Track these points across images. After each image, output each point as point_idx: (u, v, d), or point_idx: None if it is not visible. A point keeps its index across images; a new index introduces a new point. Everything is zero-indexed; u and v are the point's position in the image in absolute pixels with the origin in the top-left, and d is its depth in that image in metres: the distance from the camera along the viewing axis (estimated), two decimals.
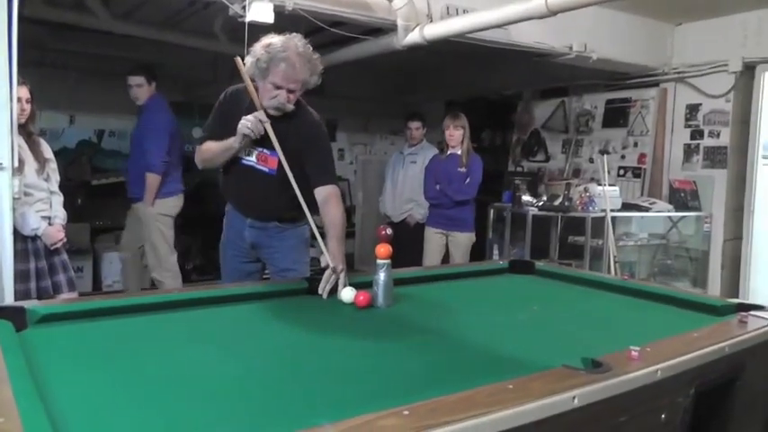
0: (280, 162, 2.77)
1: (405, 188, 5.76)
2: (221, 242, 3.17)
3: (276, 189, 2.84)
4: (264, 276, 3.19)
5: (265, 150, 2.84)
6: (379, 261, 2.39)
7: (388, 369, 1.72)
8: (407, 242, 5.20)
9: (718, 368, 1.84)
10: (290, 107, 2.76)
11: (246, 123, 2.70)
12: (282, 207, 2.90)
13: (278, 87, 2.69)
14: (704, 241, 5.98)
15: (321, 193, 2.81)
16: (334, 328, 2.14)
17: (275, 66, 2.65)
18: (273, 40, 2.70)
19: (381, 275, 2.37)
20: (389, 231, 2.44)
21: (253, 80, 2.76)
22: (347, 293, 2.40)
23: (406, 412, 1.25)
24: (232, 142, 2.79)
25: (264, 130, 2.73)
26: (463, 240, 5.18)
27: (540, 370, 1.56)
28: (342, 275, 2.50)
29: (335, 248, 2.62)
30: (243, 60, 2.75)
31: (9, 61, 2.79)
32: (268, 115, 2.75)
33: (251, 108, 2.78)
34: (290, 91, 2.71)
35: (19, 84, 3.08)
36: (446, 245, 5.23)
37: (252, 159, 2.89)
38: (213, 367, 1.71)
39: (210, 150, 2.92)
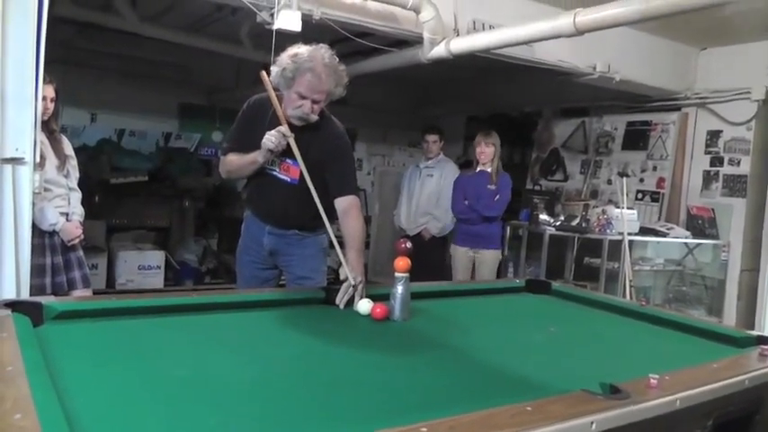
0: (302, 172, 2.78)
1: (420, 201, 5.74)
2: (238, 248, 3.17)
3: (297, 198, 2.84)
4: (281, 283, 3.19)
5: (288, 160, 2.85)
6: (397, 274, 2.37)
7: (404, 384, 1.71)
8: (422, 256, 5.16)
9: (738, 401, 1.80)
10: (314, 117, 2.77)
11: (270, 138, 2.71)
12: (303, 216, 2.90)
13: (303, 97, 2.69)
14: (721, 270, 5.93)
15: (341, 203, 2.81)
16: (350, 340, 2.14)
17: (301, 75, 2.65)
18: (300, 49, 2.70)
19: (399, 289, 2.35)
20: (409, 245, 2.43)
21: (277, 90, 2.77)
22: (364, 305, 2.39)
23: (425, 429, 1.24)
24: (256, 156, 2.80)
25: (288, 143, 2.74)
26: (490, 258, 5.14)
27: (558, 393, 1.54)
28: (360, 287, 2.49)
29: (355, 260, 2.62)
30: (268, 70, 2.76)
31: (36, 60, 2.81)
32: (291, 126, 2.76)
33: (274, 118, 2.79)
34: (314, 101, 2.71)
35: (45, 82, 3.10)
36: (473, 262, 5.20)
37: (275, 168, 2.90)
38: (227, 372, 1.70)
39: (234, 163, 2.95)
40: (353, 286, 2.49)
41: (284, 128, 2.73)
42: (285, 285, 3.13)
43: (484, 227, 5.11)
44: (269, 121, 2.81)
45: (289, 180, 2.87)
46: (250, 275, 3.10)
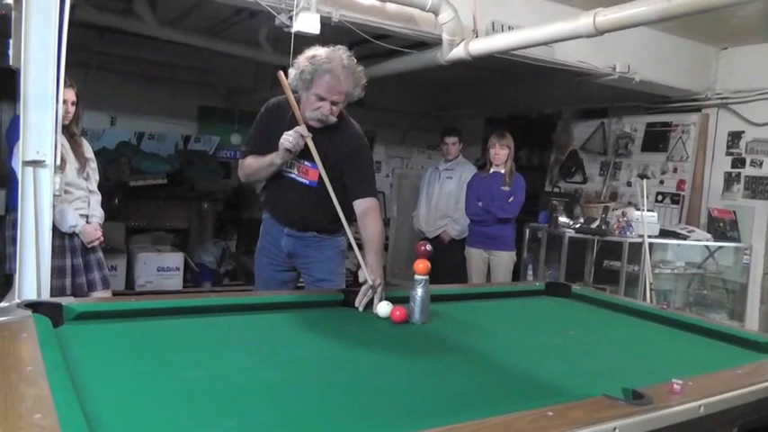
0: (320, 174, 2.77)
1: (440, 204, 5.73)
2: (257, 250, 3.18)
3: (316, 201, 2.84)
4: (299, 285, 3.19)
5: (306, 163, 2.84)
6: (417, 277, 2.36)
7: (423, 387, 1.70)
8: (441, 258, 5.16)
9: (763, 408, 1.77)
10: (333, 119, 2.76)
11: (288, 138, 2.70)
12: (322, 218, 2.90)
13: (321, 99, 2.69)
14: (743, 273, 5.84)
15: (360, 205, 2.80)
16: (370, 343, 2.13)
17: (319, 77, 2.64)
18: (318, 51, 2.70)
19: (419, 291, 2.34)
20: (429, 247, 2.42)
21: (295, 92, 2.76)
22: (383, 308, 2.38)
23: None
24: (274, 158, 2.80)
25: (306, 144, 2.74)
26: (505, 259, 5.13)
27: (579, 397, 1.53)
28: (379, 290, 2.48)
29: (374, 262, 2.60)
30: (286, 72, 2.75)
31: (57, 64, 2.83)
32: (309, 128, 2.75)
33: (293, 120, 2.78)
34: (333, 103, 2.70)
35: (66, 86, 3.13)
36: (488, 264, 5.18)
37: (293, 171, 2.89)
38: (245, 374, 1.70)
39: (252, 167, 2.94)
40: (372, 288, 2.48)
41: (302, 128, 2.72)
42: (303, 287, 3.12)
43: (498, 228, 5.10)
44: (287, 123, 2.80)
45: (307, 182, 2.87)
46: (268, 277, 3.10)
